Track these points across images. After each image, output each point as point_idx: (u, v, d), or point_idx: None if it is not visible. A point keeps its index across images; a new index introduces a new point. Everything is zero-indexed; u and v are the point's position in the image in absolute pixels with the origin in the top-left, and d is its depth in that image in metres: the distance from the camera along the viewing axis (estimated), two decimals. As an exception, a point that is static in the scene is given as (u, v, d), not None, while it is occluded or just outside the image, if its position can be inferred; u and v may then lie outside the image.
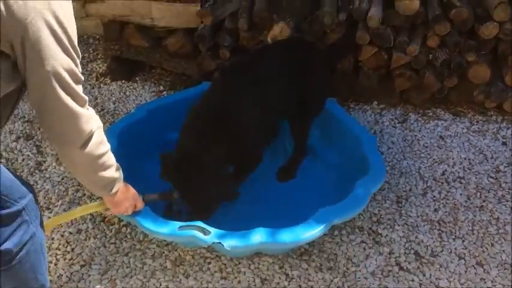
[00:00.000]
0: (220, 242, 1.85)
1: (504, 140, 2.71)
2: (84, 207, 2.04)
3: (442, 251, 2.15)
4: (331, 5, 2.76)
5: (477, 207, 2.34)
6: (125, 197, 1.81)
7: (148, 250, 2.20)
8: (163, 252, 2.18)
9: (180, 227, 1.93)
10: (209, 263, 2.13)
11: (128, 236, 2.26)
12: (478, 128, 2.81)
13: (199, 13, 2.90)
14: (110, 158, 1.59)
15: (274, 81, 2.34)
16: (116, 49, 3.23)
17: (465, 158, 2.62)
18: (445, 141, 2.74)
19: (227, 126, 2.16)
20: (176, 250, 2.19)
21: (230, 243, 1.86)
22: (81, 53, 3.52)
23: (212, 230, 1.91)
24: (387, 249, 2.16)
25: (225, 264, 2.12)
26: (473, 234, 2.22)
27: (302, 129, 2.53)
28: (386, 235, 2.22)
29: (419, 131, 2.81)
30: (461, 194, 2.41)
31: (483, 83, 2.78)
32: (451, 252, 2.14)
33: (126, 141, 2.45)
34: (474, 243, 2.17)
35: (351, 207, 2.01)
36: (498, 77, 2.78)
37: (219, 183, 2.17)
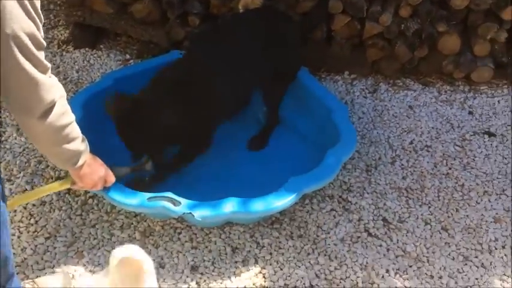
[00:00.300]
0: (190, 213, 1.83)
1: (470, 110, 2.76)
2: (49, 186, 1.92)
3: (409, 217, 2.19)
4: (302, -28, 2.70)
5: (443, 174, 2.39)
6: (92, 171, 1.73)
7: (116, 221, 2.16)
8: (132, 223, 2.15)
9: (150, 198, 1.89)
10: (179, 233, 2.11)
11: (95, 208, 2.21)
12: (446, 97, 2.85)
13: (167, -22, 2.79)
14: (74, 130, 1.51)
15: (244, 50, 2.29)
16: (79, 15, 3.09)
17: (433, 127, 2.65)
18: (414, 110, 2.76)
19: (187, 94, 2.11)
20: (145, 221, 2.16)
21: (201, 213, 1.84)
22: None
23: (182, 200, 1.89)
24: (356, 216, 2.19)
25: (196, 234, 2.11)
26: (439, 200, 2.27)
27: (274, 98, 2.51)
28: (356, 203, 2.25)
29: (389, 100, 2.83)
30: (428, 162, 2.45)
31: (453, 53, 2.80)
32: (417, 218, 2.19)
33: (92, 111, 2.37)
34: (440, 209, 2.22)
35: (322, 176, 2.02)
36: (467, 47, 2.80)
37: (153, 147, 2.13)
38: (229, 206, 1.86)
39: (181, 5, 2.87)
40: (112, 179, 1.87)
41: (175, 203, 1.88)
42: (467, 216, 2.19)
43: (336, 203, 2.25)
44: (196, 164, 2.28)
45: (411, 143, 2.57)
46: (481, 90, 2.86)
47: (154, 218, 2.14)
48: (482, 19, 2.68)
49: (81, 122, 2.19)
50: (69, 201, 2.24)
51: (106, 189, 1.88)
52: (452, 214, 2.20)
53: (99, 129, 2.36)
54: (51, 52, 3.19)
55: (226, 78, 2.20)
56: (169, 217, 2.06)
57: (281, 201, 1.89)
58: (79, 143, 1.55)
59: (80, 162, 1.61)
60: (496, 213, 2.19)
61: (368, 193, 2.30)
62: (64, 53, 3.19)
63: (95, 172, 1.75)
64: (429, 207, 2.24)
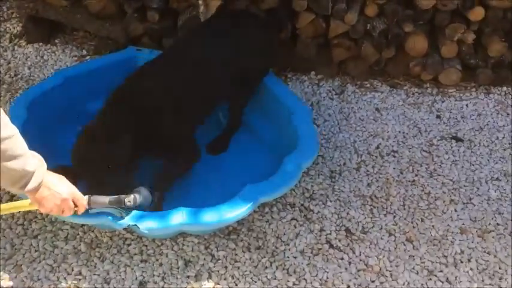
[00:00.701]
0: (135, 225, 1.69)
1: (438, 113, 2.68)
2: (12, 204, 1.68)
3: (372, 227, 2.09)
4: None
5: (409, 181, 2.30)
6: (53, 194, 1.46)
7: (61, 232, 2.00)
8: (78, 234, 2.00)
9: (92, 209, 1.74)
10: (129, 245, 1.97)
11: (38, 217, 2.05)
12: (414, 100, 2.77)
13: (123, -31, 2.63)
14: (16, 145, 1.27)
15: (209, 64, 2.19)
16: (31, 7, 2.90)
17: (400, 132, 2.57)
18: (381, 113, 2.68)
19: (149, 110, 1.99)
20: (93, 231, 2.01)
21: (147, 225, 1.70)
22: (-5, 12, 3.09)
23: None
24: (318, 226, 2.09)
25: (146, 246, 1.97)
26: (404, 209, 2.18)
27: (241, 102, 2.39)
28: (318, 211, 2.14)
29: (356, 102, 2.73)
30: (394, 168, 2.36)
31: (420, 54, 2.72)
32: (381, 228, 2.09)
33: (39, 111, 2.21)
34: (405, 218, 2.14)
35: (280, 183, 1.90)
36: (435, 48, 2.72)
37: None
38: (178, 218, 1.73)
39: (139, -2, 2.72)
40: (82, 206, 1.60)
41: (121, 213, 1.73)
42: (432, 226, 2.10)
43: (298, 212, 2.14)
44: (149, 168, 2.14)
45: (377, 147, 2.48)
46: (449, 93, 2.79)
47: (103, 229, 2.00)
48: (449, 19, 2.61)
49: (26, 125, 2.11)
50: (11, 210, 2.07)
51: None
52: (417, 224, 2.11)
53: (48, 131, 2.22)
54: (2, 46, 3.01)
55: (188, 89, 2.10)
56: (115, 229, 1.92)
57: (235, 212, 1.77)
58: (25, 162, 1.31)
59: (32, 185, 1.36)
60: (463, 224, 2.11)
61: (331, 201, 2.19)
62: (16, 48, 3.00)
63: (55, 197, 1.47)
64: (394, 216, 2.15)
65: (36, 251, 1.93)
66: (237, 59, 2.22)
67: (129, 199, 1.74)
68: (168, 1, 2.74)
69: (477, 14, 2.57)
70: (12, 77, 2.79)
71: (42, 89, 2.29)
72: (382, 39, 2.67)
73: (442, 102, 2.75)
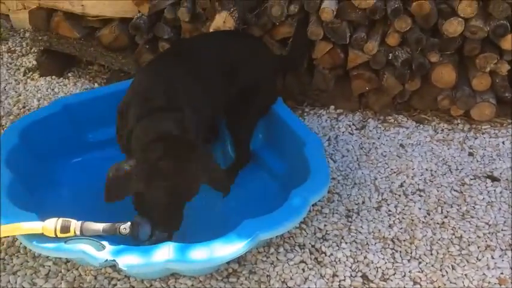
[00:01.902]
0: (114, 260, 1.48)
1: (471, 151, 2.41)
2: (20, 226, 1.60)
3: (394, 274, 1.81)
4: (281, -6, 2.46)
5: (437, 223, 2.02)
6: None
7: (42, 268, 1.81)
8: (60, 271, 1.80)
9: (69, 241, 1.55)
10: (114, 285, 1.76)
11: (21, 251, 1.88)
12: (443, 136, 2.52)
13: (135, 0, 2.57)
14: None
15: (210, 73, 2.02)
16: (45, 40, 2.87)
17: (427, 169, 2.31)
18: (405, 150, 2.43)
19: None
20: (76, 269, 1.81)
21: (127, 261, 1.49)
22: (13, 47, 3.14)
23: (107, 245, 1.54)
24: (330, 271, 1.82)
25: (134, 287, 1.75)
26: (431, 255, 1.89)
27: (242, 131, 2.20)
28: (331, 254, 1.88)
29: (378, 138, 2.51)
30: (420, 209, 2.09)
31: (448, 87, 2.49)
32: (404, 275, 1.81)
33: (33, 140, 2.09)
34: (432, 265, 1.84)
35: (283, 219, 1.66)
36: (465, 80, 2.49)
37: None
38: (164, 253, 1.51)
39: (150, 30, 2.64)
40: None
41: (100, 246, 1.53)
42: (465, 275, 1.80)
43: (307, 254, 1.88)
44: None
45: (401, 185, 2.22)
46: (482, 130, 2.53)
47: (87, 266, 1.80)
48: (480, 49, 2.38)
49: (16, 149, 1.99)
50: (-6, 243, 1.92)
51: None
52: (447, 272, 1.82)
53: (43, 160, 2.09)
54: (15, 79, 2.98)
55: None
56: (91, 264, 1.71)
57: (228, 249, 1.53)
58: None
59: None
60: (501, 273, 1.80)
61: (346, 243, 1.93)
62: (29, 81, 2.97)
63: None
64: (419, 262, 1.86)
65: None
66: (234, 75, 2.07)
67: (125, 226, 1.60)
68: (179, 32, 2.65)
69: (510, 42, 2.35)
70: (20, 109, 2.72)
71: (38, 116, 2.18)
72: (405, 70, 2.46)
73: (475, 139, 2.49)
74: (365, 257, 1.88)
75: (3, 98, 2.81)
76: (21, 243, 1.90)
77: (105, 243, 1.54)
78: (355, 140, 2.49)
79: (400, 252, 1.91)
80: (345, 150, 2.43)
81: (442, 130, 2.56)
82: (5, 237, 1.68)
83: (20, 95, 2.84)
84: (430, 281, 1.78)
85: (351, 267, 1.84)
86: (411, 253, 1.90)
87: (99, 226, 1.62)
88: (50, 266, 1.82)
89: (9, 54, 3.24)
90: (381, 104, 2.62)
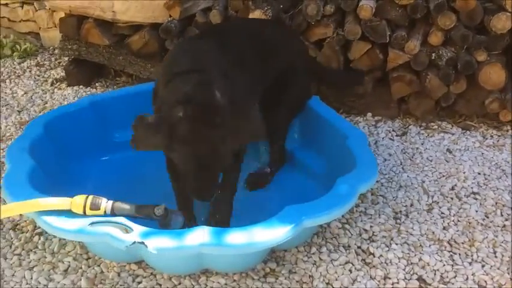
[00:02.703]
0: (143, 242, 1.32)
1: (526, 155, 2.22)
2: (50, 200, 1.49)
3: (455, 277, 1.59)
4: (316, -5, 2.39)
5: (498, 226, 1.81)
6: None
7: (61, 264, 1.65)
8: (81, 267, 1.64)
9: (93, 223, 1.40)
10: (139, 283, 1.58)
11: (39, 247, 1.73)
12: (493, 142, 2.33)
13: (166, 4, 2.53)
14: None
15: (245, 51, 1.89)
16: (74, 49, 2.83)
17: (479, 173, 2.12)
18: (453, 154, 2.25)
19: None
20: (98, 265, 1.64)
21: (158, 243, 1.32)
22: (42, 62, 3.12)
23: (136, 227, 1.38)
24: (381, 272, 1.61)
25: (160, 285, 1.56)
26: (495, 257, 1.67)
27: (278, 126, 2.04)
28: (381, 255, 1.68)
29: (422, 144, 2.33)
30: (476, 211, 1.88)
31: (497, 88, 2.33)
32: (467, 278, 1.59)
33: (58, 133, 1.99)
34: (498, 268, 1.62)
35: (330, 205, 1.48)
36: (514, 81, 2.33)
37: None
38: (198, 236, 1.33)
39: (180, 34, 2.57)
40: None
41: (127, 230, 1.37)
42: (537, 278, 1.57)
43: (353, 255, 1.68)
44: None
45: (452, 188, 2.03)
46: (535, 135, 2.34)
47: (111, 262, 1.62)
48: (531, 46, 2.24)
49: (40, 140, 1.88)
50: (11, 238, 1.78)
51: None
52: (516, 275, 1.59)
53: (66, 155, 1.98)
54: (42, 89, 2.93)
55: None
56: (124, 258, 1.54)
57: (271, 234, 1.35)
58: None
59: None
60: None
61: (397, 244, 1.73)
62: (56, 90, 2.91)
63: None
64: (483, 265, 1.64)
65: (26, 284, 1.57)
66: (271, 61, 1.94)
67: (160, 208, 1.43)
68: (210, 36, 2.58)
69: None
70: (46, 116, 2.64)
71: (64, 110, 2.08)
72: (450, 70, 2.32)
73: (529, 144, 2.29)
74: (420, 259, 1.67)
75: (29, 105, 2.75)
76: (39, 238, 1.75)
77: (132, 225, 1.38)
78: (396, 146, 2.32)
79: (460, 254, 1.69)
80: (386, 154, 2.25)
81: (492, 136, 2.38)
82: (22, 214, 1.51)
83: (46, 103, 2.77)
84: (497, 284, 1.56)
85: (404, 269, 1.63)
86: (472, 256, 1.69)
87: (131, 206, 1.48)
88: (69, 262, 1.65)
89: (37, 68, 3.21)
90: (423, 109, 2.46)
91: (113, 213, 1.45)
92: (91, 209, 1.45)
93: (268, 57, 1.91)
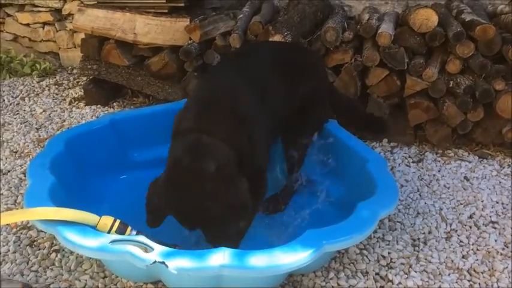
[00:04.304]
0: (163, 262, 1.31)
1: (544, 185, 2.20)
2: (78, 213, 1.52)
3: (476, 307, 1.56)
4: (335, 21, 2.42)
5: (519, 256, 1.78)
6: None
7: (78, 282, 1.64)
8: (97, 286, 1.62)
9: (114, 241, 1.40)
10: (156, 304, 1.56)
11: (56, 264, 1.73)
12: (511, 171, 2.32)
13: (187, 28, 2.58)
14: None
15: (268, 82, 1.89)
16: (94, 69, 2.88)
17: (497, 202, 2.10)
18: (471, 182, 2.24)
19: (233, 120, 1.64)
20: (115, 284, 1.63)
21: (178, 263, 1.32)
22: (61, 81, 3.17)
23: (157, 246, 1.38)
24: (400, 300, 1.59)
25: (177, 307, 1.55)
26: (517, 288, 1.64)
27: (297, 149, 2.04)
28: (399, 283, 1.66)
29: (439, 171, 2.32)
30: (496, 240, 1.86)
31: (514, 117, 2.33)
32: (489, 309, 1.56)
33: (78, 151, 2.00)
34: (520, 299, 1.59)
35: (351, 230, 1.47)
36: (532, 111, 2.33)
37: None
38: (219, 258, 1.33)
39: (200, 56, 2.61)
40: None
41: (147, 249, 1.37)
42: (560, 311, 1.54)
43: (372, 281, 1.66)
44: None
45: (471, 217, 2.01)
46: (553, 165, 2.33)
47: (127, 281, 1.62)
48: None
49: (60, 157, 1.89)
50: (28, 255, 1.77)
51: (62, 224, 1.42)
52: (538, 307, 1.56)
53: (85, 173, 1.99)
54: (60, 108, 2.97)
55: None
56: (142, 278, 1.54)
57: (291, 258, 1.34)
58: None
59: None
60: None
61: (416, 272, 1.71)
62: (74, 109, 2.95)
63: None
64: (504, 296, 1.62)
65: (43, 301, 1.57)
66: (292, 85, 1.93)
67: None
68: (229, 59, 2.61)
69: None
70: (64, 134, 2.67)
71: (85, 128, 2.11)
72: (467, 98, 2.33)
73: (546, 174, 2.28)
74: (439, 287, 1.64)
75: (47, 123, 2.78)
76: (56, 255, 1.75)
77: (153, 244, 1.38)
78: (413, 172, 2.32)
79: (479, 284, 1.67)
80: (403, 180, 2.25)
81: (509, 165, 2.36)
82: (43, 220, 1.50)
83: (64, 121, 2.81)
84: (520, 316, 1.53)
85: (423, 298, 1.61)
86: (492, 285, 1.66)
87: (153, 242, 1.45)
88: (86, 280, 1.65)
89: (56, 86, 3.27)
90: (439, 136, 2.46)
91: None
92: (116, 232, 1.49)
93: (293, 84, 1.92)
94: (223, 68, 1.99)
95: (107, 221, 1.50)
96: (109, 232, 1.48)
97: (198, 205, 1.47)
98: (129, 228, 1.52)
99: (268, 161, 1.82)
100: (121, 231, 1.50)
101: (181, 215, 1.53)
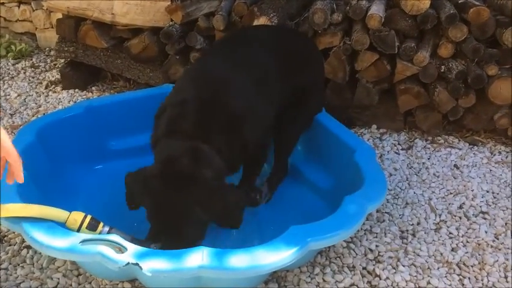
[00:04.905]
0: (137, 263, 1.23)
1: (536, 173, 2.14)
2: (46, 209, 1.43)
3: (466, 304, 1.51)
4: (324, 2, 2.31)
5: (509, 248, 1.73)
6: None
7: (50, 280, 1.56)
8: (70, 285, 1.54)
9: (85, 241, 1.31)
10: (132, 303, 1.49)
11: (27, 261, 1.63)
12: (501, 158, 2.26)
13: (168, 8, 2.45)
14: None
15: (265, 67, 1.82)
16: (71, 51, 2.75)
17: (488, 191, 2.04)
18: (461, 171, 2.17)
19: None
20: (90, 283, 1.55)
21: (153, 265, 1.23)
22: (37, 63, 3.03)
23: (130, 246, 1.29)
24: (388, 296, 1.53)
25: (155, 307, 1.47)
26: (507, 282, 1.59)
27: (288, 142, 1.98)
28: (387, 278, 1.60)
29: (429, 158, 2.26)
30: (486, 232, 1.81)
31: (506, 103, 2.26)
32: (479, 305, 1.51)
33: (51, 140, 1.89)
34: (512, 295, 1.54)
35: (338, 225, 1.40)
36: (525, 96, 2.26)
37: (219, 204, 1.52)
38: (197, 258, 1.25)
39: (182, 39, 2.49)
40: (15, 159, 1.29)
41: (120, 249, 1.28)
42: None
43: (359, 276, 1.60)
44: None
45: (460, 207, 1.95)
46: (545, 152, 2.27)
47: (102, 280, 1.53)
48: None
49: (31, 148, 1.79)
50: (-3, 251, 1.68)
51: (28, 221, 1.33)
52: (530, 303, 1.51)
53: (59, 164, 1.89)
54: (36, 92, 2.83)
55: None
56: (117, 277, 1.46)
57: (274, 257, 1.27)
58: None
59: None
60: None
61: (404, 266, 1.65)
62: (50, 93, 2.82)
63: None
64: (495, 291, 1.57)
65: (13, 301, 1.49)
66: (287, 74, 1.86)
67: (156, 246, 1.34)
68: (212, 42, 2.50)
69: None
70: (39, 119, 2.55)
71: (58, 116, 1.99)
72: (459, 84, 2.25)
73: (538, 161, 2.22)
74: (428, 282, 1.59)
75: (22, 109, 2.66)
76: (28, 252, 1.66)
77: (127, 244, 1.29)
78: (402, 160, 2.25)
79: (469, 278, 1.62)
80: (392, 169, 2.18)
81: (500, 152, 2.30)
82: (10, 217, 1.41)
83: (40, 107, 2.69)
84: (511, 313, 1.48)
85: (412, 294, 1.55)
86: (482, 280, 1.61)
87: (127, 237, 1.40)
88: (58, 279, 1.56)
89: (32, 69, 3.13)
90: (429, 123, 2.38)
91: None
92: (87, 228, 1.40)
93: (290, 74, 1.85)
94: (220, 55, 1.88)
95: (76, 216, 1.41)
96: (79, 229, 1.39)
97: (184, 207, 1.46)
98: (101, 224, 1.43)
99: (267, 145, 1.84)
100: (92, 227, 1.41)
101: (159, 212, 1.47)
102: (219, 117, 1.60)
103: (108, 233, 1.43)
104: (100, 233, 1.40)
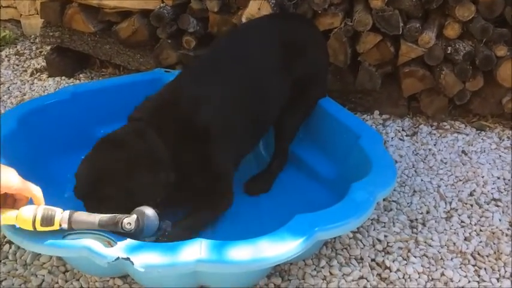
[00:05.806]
0: (128, 258, 1.11)
1: (547, 158, 2.05)
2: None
3: (483, 296, 1.41)
4: (323, -20, 2.19)
5: (526, 237, 1.63)
6: None
7: (34, 278, 1.43)
8: (57, 282, 1.42)
9: (69, 235, 1.18)
10: (124, 301, 1.37)
11: (10, 257, 1.51)
12: (511, 144, 2.16)
13: (158, -12, 2.31)
14: None
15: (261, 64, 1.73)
16: (56, 36, 2.61)
17: (498, 177, 1.94)
18: (469, 157, 2.07)
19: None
20: (78, 280, 1.43)
21: (146, 259, 1.11)
22: (22, 50, 2.87)
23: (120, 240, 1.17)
24: (401, 290, 1.42)
25: (149, 304, 1.36)
26: (526, 273, 1.49)
27: (290, 130, 1.87)
28: (398, 270, 1.49)
29: (435, 145, 2.15)
30: (500, 220, 1.71)
31: (516, 86, 2.16)
32: (497, 298, 1.41)
33: (34, 128, 1.76)
34: (531, 286, 1.44)
35: (346, 214, 1.29)
36: (535, 79, 2.16)
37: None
38: (194, 251, 1.13)
39: (174, 22, 2.36)
40: (36, 194, 1.23)
41: (110, 242, 1.16)
42: None
43: (368, 269, 1.49)
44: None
45: (471, 194, 1.85)
46: (556, 137, 2.17)
47: (91, 276, 1.41)
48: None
49: (13, 136, 1.66)
50: (-22, 248, 1.55)
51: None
52: (551, 294, 1.41)
53: (43, 152, 1.76)
54: (21, 80, 2.69)
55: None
56: (107, 273, 1.33)
57: (279, 249, 1.15)
58: None
59: None
60: None
61: (415, 257, 1.54)
62: (36, 81, 2.68)
63: None
64: (512, 282, 1.47)
65: (-7, 301, 1.36)
66: (288, 64, 1.75)
67: (130, 221, 1.20)
68: (206, 24, 2.37)
69: None
70: (24, 109, 2.41)
71: (42, 102, 1.86)
72: (467, 66, 2.14)
73: (549, 146, 2.13)
74: (442, 274, 1.48)
75: (5, 97, 2.52)
76: (10, 247, 1.54)
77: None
78: (407, 146, 2.14)
79: (485, 269, 1.51)
80: (397, 156, 2.07)
81: (508, 138, 2.20)
82: None
83: (24, 95, 2.55)
84: (532, 305, 1.38)
85: (425, 286, 1.44)
86: (499, 271, 1.51)
87: (95, 218, 1.20)
88: (43, 276, 1.44)
89: (16, 57, 2.98)
90: (435, 108, 2.28)
91: (71, 228, 1.18)
92: (42, 224, 1.17)
93: (293, 66, 1.76)
94: (211, 60, 1.77)
95: (26, 212, 1.18)
96: (34, 227, 1.17)
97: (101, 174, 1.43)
98: (57, 211, 1.20)
99: (233, 169, 1.66)
100: (48, 220, 1.17)
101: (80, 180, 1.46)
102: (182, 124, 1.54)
103: (70, 219, 1.19)
104: (60, 224, 1.18)
